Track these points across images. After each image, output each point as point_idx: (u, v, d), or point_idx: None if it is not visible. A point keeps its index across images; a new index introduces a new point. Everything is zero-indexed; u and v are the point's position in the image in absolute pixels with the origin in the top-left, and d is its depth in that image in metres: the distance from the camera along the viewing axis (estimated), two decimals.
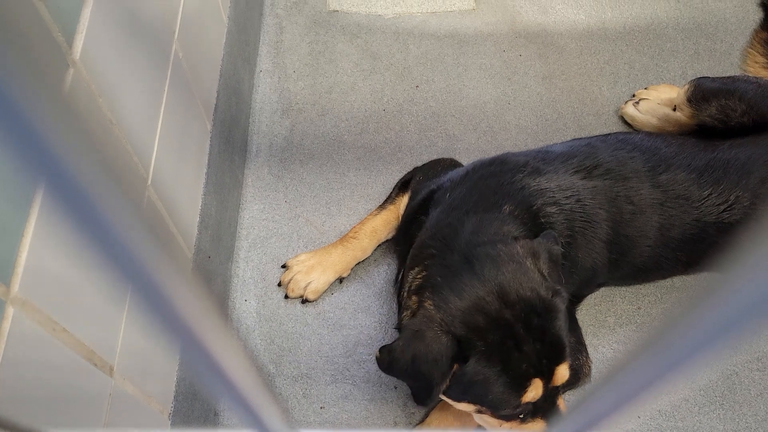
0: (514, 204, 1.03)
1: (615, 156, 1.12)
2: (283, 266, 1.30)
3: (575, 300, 1.19)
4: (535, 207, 1.03)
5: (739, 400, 1.22)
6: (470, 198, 1.06)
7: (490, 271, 0.92)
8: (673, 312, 0.13)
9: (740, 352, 1.27)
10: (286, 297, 1.28)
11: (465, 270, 0.93)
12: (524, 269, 0.92)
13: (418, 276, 1.00)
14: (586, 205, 1.06)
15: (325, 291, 1.28)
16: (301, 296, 1.27)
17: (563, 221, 1.05)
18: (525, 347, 0.88)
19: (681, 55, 1.57)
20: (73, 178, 0.11)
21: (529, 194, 1.04)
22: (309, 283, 1.26)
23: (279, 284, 1.29)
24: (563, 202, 1.05)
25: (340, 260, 1.27)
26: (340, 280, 1.29)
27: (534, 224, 1.03)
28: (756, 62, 1.52)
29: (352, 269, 1.29)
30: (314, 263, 1.27)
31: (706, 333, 0.13)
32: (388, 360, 0.93)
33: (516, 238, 0.97)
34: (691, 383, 1.24)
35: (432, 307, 0.92)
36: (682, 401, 1.22)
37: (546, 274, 0.93)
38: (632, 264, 1.15)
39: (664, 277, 1.25)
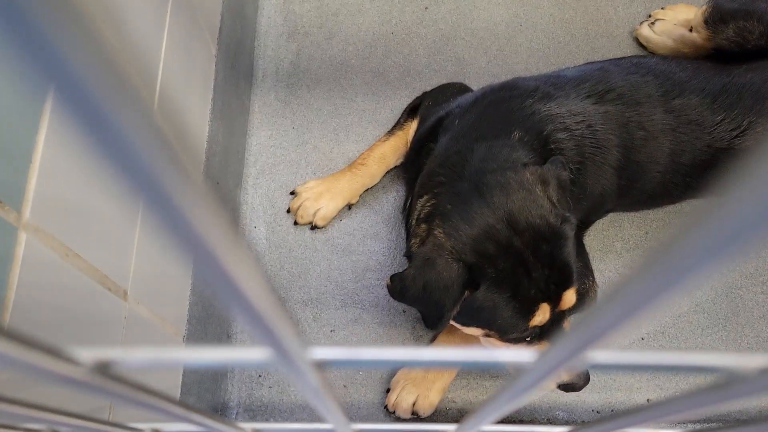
0: (524, 130, 1.02)
1: (628, 80, 1.10)
2: (292, 193, 1.30)
3: (583, 226, 1.20)
4: (545, 133, 1.02)
5: (742, 322, 1.24)
6: (480, 124, 1.05)
7: (500, 198, 0.92)
8: (675, 229, 0.13)
9: (741, 269, 1.28)
10: (296, 223, 1.29)
11: (475, 198, 0.93)
12: (534, 196, 0.92)
13: (428, 204, 1.00)
14: (597, 130, 1.05)
15: (334, 217, 1.29)
16: (310, 223, 1.28)
17: (573, 147, 1.04)
18: (534, 273, 0.89)
19: None
20: (83, 95, 0.11)
21: (539, 120, 1.03)
22: (318, 209, 1.26)
23: (288, 211, 1.30)
24: (574, 128, 1.04)
25: (348, 187, 1.27)
26: (349, 206, 1.29)
27: (544, 150, 1.02)
28: None
29: (360, 196, 1.30)
30: (323, 190, 1.27)
31: (708, 247, 0.13)
32: (399, 288, 0.95)
33: (525, 165, 0.97)
34: (693, 302, 1.25)
35: (442, 235, 0.92)
36: (685, 323, 1.24)
37: (555, 201, 0.93)
38: (642, 190, 1.15)
39: (672, 203, 1.25)
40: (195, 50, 1.07)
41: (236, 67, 1.29)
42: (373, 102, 1.39)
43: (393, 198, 1.31)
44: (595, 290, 1.18)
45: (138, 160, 0.12)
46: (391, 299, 1.24)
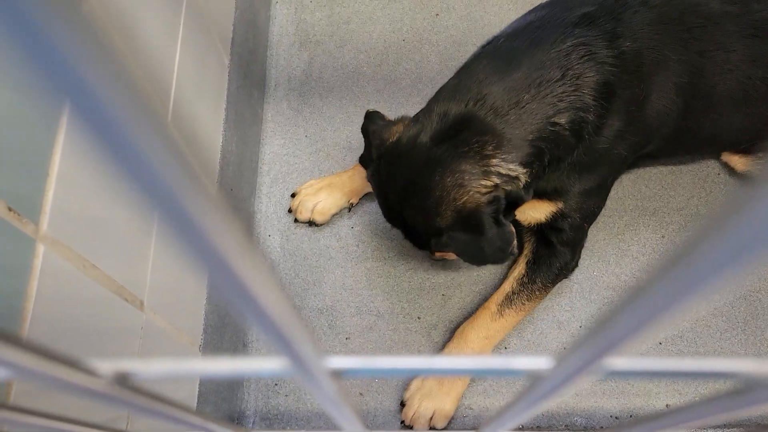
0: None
1: None
2: (293, 195, 1.31)
3: (633, 156, 1.10)
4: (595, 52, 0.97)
5: (761, 326, 1.22)
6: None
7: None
8: (694, 232, 0.13)
9: (760, 272, 1.26)
10: (296, 221, 1.29)
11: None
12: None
13: None
14: (647, 38, 0.98)
15: (334, 214, 1.28)
16: (309, 219, 1.27)
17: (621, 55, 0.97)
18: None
19: None
20: (96, 111, 0.11)
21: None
22: (316, 204, 1.26)
23: (289, 210, 1.30)
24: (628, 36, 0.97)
25: (349, 182, 1.27)
26: (350, 207, 1.29)
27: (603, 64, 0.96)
28: None
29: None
30: (323, 185, 1.27)
31: (728, 252, 0.13)
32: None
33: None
34: (711, 306, 1.24)
35: None
36: (703, 327, 1.23)
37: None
38: (712, 90, 1.03)
39: (753, 121, 1.09)
40: (208, 61, 1.07)
41: (249, 76, 1.30)
42: (385, 109, 1.39)
43: None
44: (569, 260, 1.15)
45: (152, 172, 0.12)
46: (406, 305, 1.23)
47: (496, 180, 0.94)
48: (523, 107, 0.93)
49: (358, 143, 1.36)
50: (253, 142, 1.33)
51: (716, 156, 1.31)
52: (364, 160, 1.07)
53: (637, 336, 0.17)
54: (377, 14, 1.48)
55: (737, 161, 1.28)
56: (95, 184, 0.68)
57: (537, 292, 1.14)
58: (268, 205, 1.32)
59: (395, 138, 0.99)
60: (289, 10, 1.49)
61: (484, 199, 0.93)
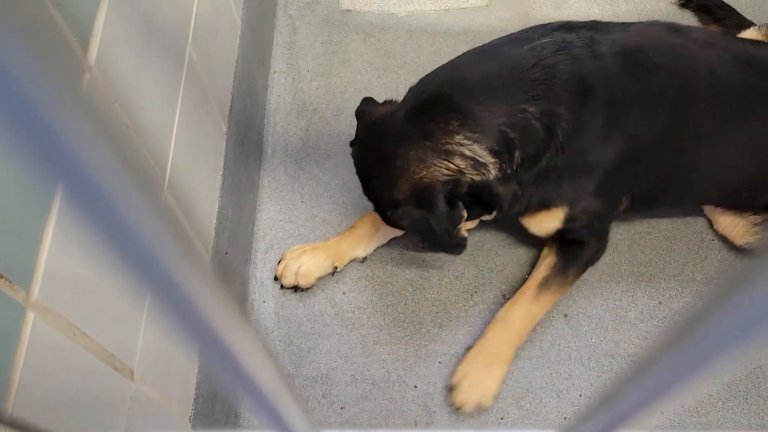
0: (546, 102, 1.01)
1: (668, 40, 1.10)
2: (279, 261, 1.30)
3: (617, 196, 1.15)
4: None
5: (764, 395, 1.20)
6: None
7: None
8: (698, 306, 0.13)
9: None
10: (282, 287, 1.27)
11: None
12: None
13: None
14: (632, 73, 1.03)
15: (318, 277, 1.26)
16: (294, 285, 1.26)
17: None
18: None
19: None
20: (91, 180, 0.11)
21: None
22: (300, 266, 1.25)
23: (275, 278, 1.28)
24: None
25: (334, 246, 1.26)
26: (333, 271, 1.27)
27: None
28: None
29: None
30: (307, 249, 1.27)
31: (735, 328, 0.12)
32: None
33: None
34: (716, 379, 1.22)
35: None
36: (705, 396, 1.20)
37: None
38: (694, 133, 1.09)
39: (733, 177, 1.18)
40: (206, 128, 1.09)
41: (246, 144, 1.32)
42: None
43: (403, 272, 1.31)
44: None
45: (146, 244, 0.11)
46: (402, 373, 1.21)
47: (460, 163, 0.96)
48: (493, 89, 0.98)
49: (354, 209, 1.37)
50: (250, 208, 1.33)
51: (697, 209, 1.34)
52: (352, 142, 1.13)
53: (643, 412, 0.17)
54: (372, 83, 1.51)
55: (734, 234, 1.28)
56: (89, 250, 0.68)
57: (570, 277, 1.19)
58: (263, 271, 1.31)
59: (377, 116, 1.06)
60: (287, 79, 1.52)
61: (442, 177, 0.96)
